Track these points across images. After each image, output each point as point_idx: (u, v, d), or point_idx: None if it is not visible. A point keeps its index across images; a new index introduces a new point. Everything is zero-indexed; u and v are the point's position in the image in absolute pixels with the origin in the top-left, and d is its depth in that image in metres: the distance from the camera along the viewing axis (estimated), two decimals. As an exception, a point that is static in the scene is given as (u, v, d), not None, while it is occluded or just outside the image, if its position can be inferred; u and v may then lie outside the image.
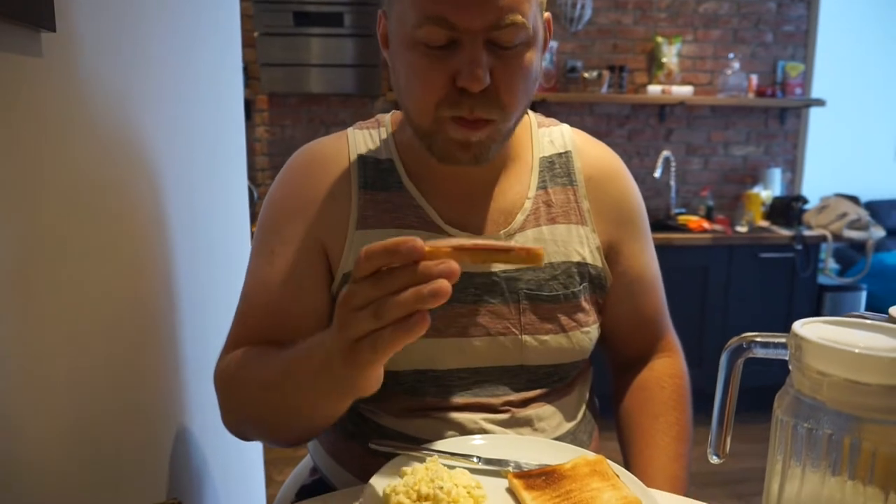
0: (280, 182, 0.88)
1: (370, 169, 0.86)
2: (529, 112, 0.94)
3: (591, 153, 0.93)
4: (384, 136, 0.89)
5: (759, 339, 0.47)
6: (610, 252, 0.92)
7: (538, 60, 0.78)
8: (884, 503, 0.41)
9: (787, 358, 0.44)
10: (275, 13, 3.09)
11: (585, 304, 0.88)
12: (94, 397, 0.73)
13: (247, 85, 3.26)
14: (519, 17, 0.72)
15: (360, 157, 0.87)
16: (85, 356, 0.71)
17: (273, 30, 3.11)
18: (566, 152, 0.91)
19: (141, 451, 0.85)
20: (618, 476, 0.72)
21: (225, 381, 0.80)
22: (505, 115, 0.76)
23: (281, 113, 3.40)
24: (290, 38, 3.12)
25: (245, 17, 2.97)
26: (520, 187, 0.88)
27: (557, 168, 0.90)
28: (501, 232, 0.85)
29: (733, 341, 0.47)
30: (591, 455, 0.76)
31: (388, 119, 0.92)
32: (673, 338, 0.98)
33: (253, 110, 3.38)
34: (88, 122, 0.73)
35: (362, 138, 0.89)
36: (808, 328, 0.44)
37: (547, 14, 0.81)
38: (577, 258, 0.88)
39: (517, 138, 0.88)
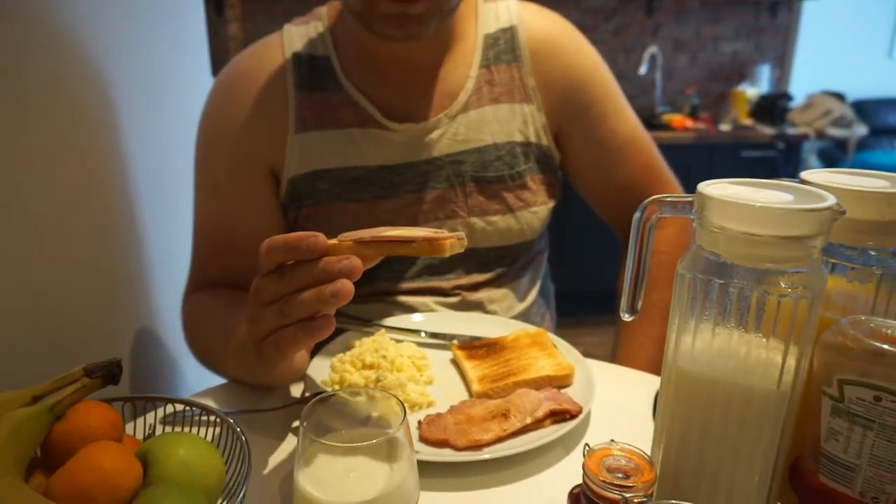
0: (209, 106, 0.86)
1: (305, 67, 0.84)
2: None
3: (537, 25, 0.89)
4: (320, 29, 0.87)
5: (668, 200, 0.48)
6: (563, 126, 0.89)
7: None
8: (781, 353, 0.43)
9: (692, 216, 0.45)
10: None
11: (532, 184, 0.88)
12: (50, 295, 0.74)
13: (216, -23, 3.10)
14: None
15: (296, 56, 0.84)
16: (38, 255, 0.71)
17: (240, -85, 2.92)
18: (511, 27, 0.88)
19: (104, 343, 0.88)
20: (556, 346, 0.75)
21: (185, 332, 0.83)
22: None
23: (254, 7, 3.26)
24: (259, -76, 2.94)
25: None
26: (463, 67, 0.86)
27: (502, 44, 0.88)
28: (442, 114, 0.84)
29: (644, 202, 0.49)
30: (532, 329, 0.79)
31: (325, 11, 0.88)
32: None
33: (225, 5, 3.23)
34: (48, 41, 0.70)
35: (297, 35, 0.86)
36: (713, 187, 0.45)
37: None
38: (520, 138, 0.87)
39: (460, 16, 0.86)
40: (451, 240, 0.53)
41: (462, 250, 0.53)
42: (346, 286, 0.49)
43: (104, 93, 0.88)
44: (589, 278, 2.86)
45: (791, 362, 0.43)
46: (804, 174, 0.51)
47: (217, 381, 0.76)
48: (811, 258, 0.42)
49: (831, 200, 0.42)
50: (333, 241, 0.52)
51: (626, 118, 0.92)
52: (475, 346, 0.76)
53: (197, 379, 1.03)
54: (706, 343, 0.45)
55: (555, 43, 0.89)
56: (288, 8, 3.27)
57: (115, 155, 0.92)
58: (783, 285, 0.42)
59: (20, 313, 0.68)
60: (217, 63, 1.61)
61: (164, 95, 1.13)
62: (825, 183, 0.48)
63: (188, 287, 0.87)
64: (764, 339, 0.44)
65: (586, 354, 0.75)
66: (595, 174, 0.92)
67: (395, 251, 0.52)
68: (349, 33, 0.85)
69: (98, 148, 0.87)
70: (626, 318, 0.52)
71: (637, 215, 0.48)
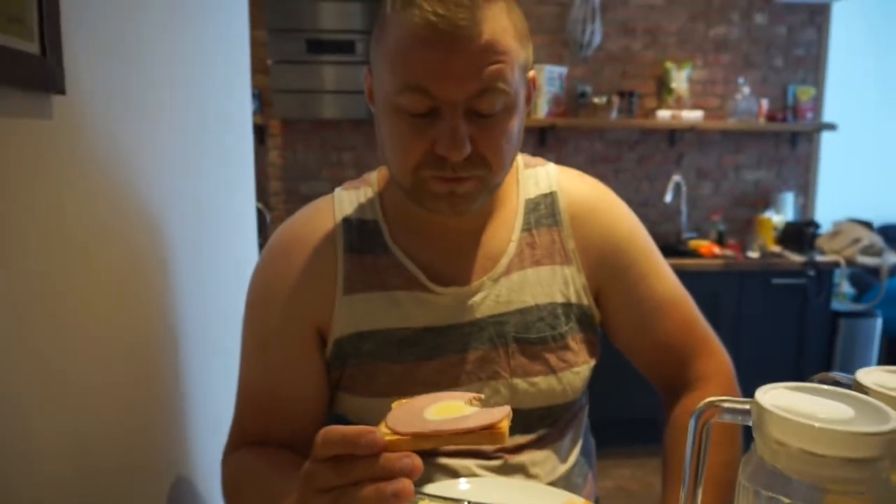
0: (260, 267, 0.89)
1: (355, 231, 0.88)
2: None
3: (576, 191, 0.93)
4: (370, 195, 0.91)
5: (725, 405, 0.48)
6: (602, 286, 0.91)
7: (519, 122, 0.79)
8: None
9: (751, 424, 0.45)
10: (288, 41, 3.16)
11: (574, 344, 0.89)
12: (93, 428, 0.75)
13: (260, 111, 3.32)
14: (500, 85, 0.73)
15: (346, 220, 0.88)
16: (83, 390, 0.73)
17: (286, 57, 3.18)
18: (551, 192, 0.92)
19: (141, 483, 0.88)
20: (604, 523, 0.73)
21: (224, 492, 0.84)
22: (490, 171, 0.78)
23: (294, 138, 3.46)
24: (303, 65, 3.19)
25: (259, 45, 3.04)
26: (505, 231, 0.89)
27: (542, 209, 0.91)
28: (486, 277, 0.87)
29: (700, 406, 0.49)
30: (578, 500, 0.77)
31: (375, 177, 0.93)
32: (710, 362, 0.91)
33: (266, 135, 3.44)
34: (97, 176, 0.76)
35: (348, 199, 0.91)
36: (769, 396, 0.45)
37: (531, 72, 0.82)
38: (561, 299, 0.89)
39: (503, 183, 0.90)
40: (505, 421, 0.53)
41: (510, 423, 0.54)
42: (408, 487, 0.49)
43: (154, 223, 0.93)
44: (619, 407, 2.79)
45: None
46: (859, 375, 0.51)
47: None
48: (878, 479, 0.42)
49: (895, 421, 0.42)
50: (390, 434, 0.53)
51: (665, 278, 0.93)
52: (520, 521, 0.74)
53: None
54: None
55: (593, 208, 0.93)
56: (324, 137, 3.46)
57: (164, 290, 0.95)
58: (854, 512, 0.41)
59: (66, 456, 0.68)
60: (259, 189, 1.70)
61: (211, 223, 1.19)
62: (884, 390, 0.48)
63: (229, 444, 0.88)
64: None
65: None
66: (634, 332, 0.93)
67: (453, 442, 0.52)
68: (396, 200, 0.89)
69: (147, 284, 0.91)
70: (685, 521, 0.50)
71: (692, 422, 0.48)
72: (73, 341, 0.71)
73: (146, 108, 0.91)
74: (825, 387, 0.47)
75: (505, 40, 0.73)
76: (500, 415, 0.53)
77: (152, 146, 0.92)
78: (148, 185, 0.91)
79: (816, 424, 0.41)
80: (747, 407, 0.46)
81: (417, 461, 0.50)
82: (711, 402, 0.48)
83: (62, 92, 0.66)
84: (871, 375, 0.51)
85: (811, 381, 0.50)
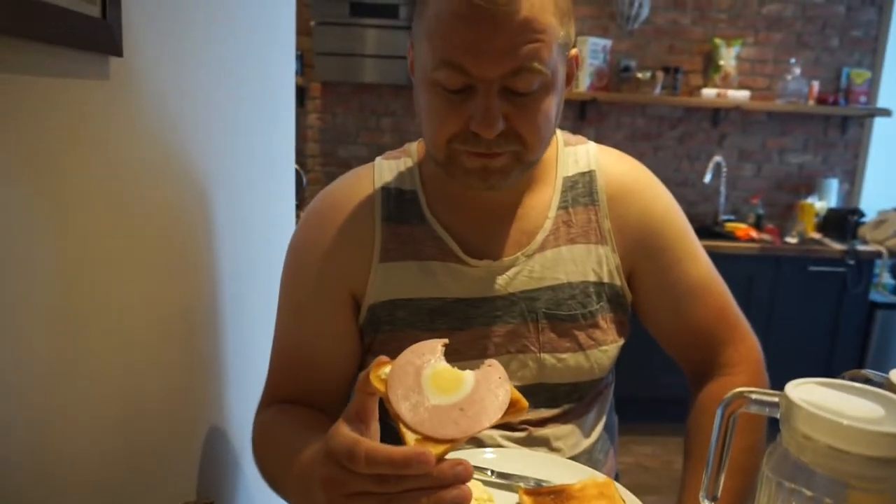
0: (300, 231, 0.91)
1: (393, 201, 0.89)
2: (557, 130, 0.95)
3: (615, 171, 0.93)
4: (410, 165, 0.92)
5: (753, 397, 0.49)
6: (636, 268, 0.91)
7: (558, 101, 0.79)
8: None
9: (778, 416, 0.46)
10: (332, 3, 3.15)
11: (603, 323, 0.90)
12: (134, 399, 0.79)
13: (302, 73, 3.33)
14: (535, 65, 0.72)
15: (385, 189, 0.90)
16: (126, 359, 0.77)
17: (329, 19, 3.17)
18: (590, 171, 0.92)
19: (177, 452, 0.92)
20: (623, 500, 0.75)
21: (254, 451, 0.86)
22: (525, 148, 0.78)
23: (333, 101, 3.47)
24: (346, 27, 3.18)
25: (302, 6, 3.03)
26: (542, 208, 0.90)
27: (580, 188, 0.91)
28: (520, 253, 0.88)
29: (729, 396, 0.50)
30: (600, 477, 0.79)
31: (415, 148, 0.94)
32: (740, 348, 0.91)
33: (306, 97, 3.46)
34: (147, 138, 0.79)
35: (388, 169, 0.92)
36: (799, 390, 0.46)
37: (574, 51, 0.82)
38: (594, 278, 0.89)
39: (543, 159, 0.89)
40: (513, 392, 0.54)
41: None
42: (466, 493, 0.50)
43: (200, 185, 0.96)
44: (642, 385, 2.80)
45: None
46: (893, 375, 0.51)
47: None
48: (904, 479, 0.42)
49: (924, 422, 0.42)
50: (421, 441, 0.51)
51: (700, 262, 0.93)
52: (542, 493, 0.76)
53: None
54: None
55: (631, 189, 0.92)
56: (364, 101, 3.47)
57: (208, 253, 0.99)
58: (876, 509, 0.42)
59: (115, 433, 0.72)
60: (297, 151, 1.72)
61: (252, 185, 1.21)
62: (915, 390, 0.48)
63: (262, 402, 0.91)
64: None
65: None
66: (666, 315, 0.93)
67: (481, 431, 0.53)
68: (435, 171, 0.90)
69: (193, 247, 0.94)
70: (707, 503, 0.52)
71: (720, 410, 0.49)
72: (124, 305, 0.74)
73: (196, 70, 0.92)
74: (855, 384, 0.47)
75: (544, 18, 0.73)
76: (505, 388, 0.54)
77: (201, 108, 0.94)
78: (195, 146, 0.93)
79: (844, 422, 0.42)
80: (776, 399, 0.47)
81: (469, 467, 0.50)
82: (740, 393, 0.49)
83: (120, 54, 0.68)
84: (905, 376, 0.51)
85: (842, 377, 0.51)
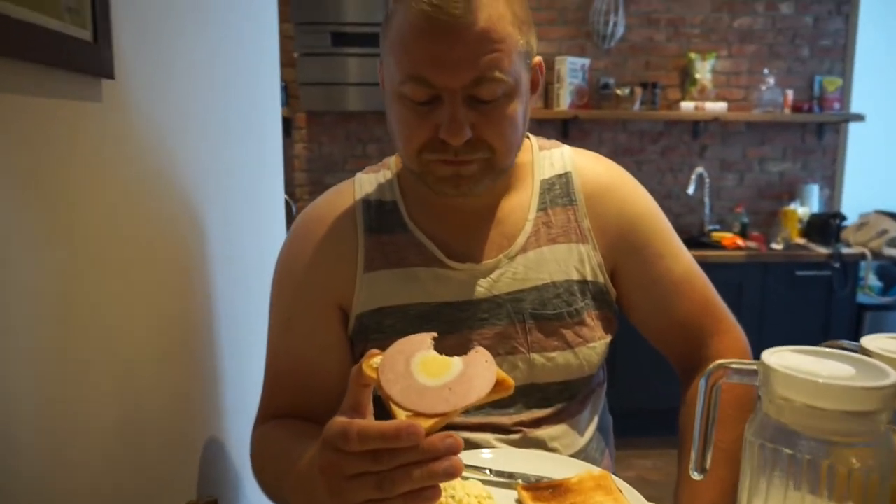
0: (286, 247, 0.94)
1: (374, 211, 0.92)
2: (531, 136, 0.97)
3: (591, 171, 0.95)
4: (389, 177, 0.95)
5: (733, 367, 0.51)
6: (618, 264, 0.93)
7: (523, 108, 0.82)
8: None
9: (757, 384, 0.48)
10: (314, 34, 3.21)
11: (590, 321, 0.91)
12: (135, 402, 0.80)
13: (287, 103, 3.38)
14: (497, 74, 0.75)
15: (365, 201, 0.93)
16: (126, 362, 0.78)
17: (312, 50, 3.23)
18: (566, 173, 0.95)
19: (180, 453, 0.93)
20: (620, 491, 0.76)
21: (253, 466, 0.88)
22: (494, 154, 0.81)
23: (319, 130, 3.51)
24: (328, 57, 3.23)
25: (286, 38, 3.08)
26: (521, 211, 0.92)
27: (557, 189, 0.94)
28: (502, 255, 0.90)
29: (710, 367, 0.52)
30: (596, 470, 0.80)
31: (394, 160, 0.97)
32: (726, 339, 0.92)
33: (292, 128, 3.50)
34: (140, 157, 0.81)
35: (368, 182, 0.95)
36: (776, 357, 0.48)
37: (537, 58, 0.85)
38: (577, 276, 0.91)
39: (518, 164, 0.92)
40: (499, 371, 0.55)
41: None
42: (458, 464, 0.51)
43: (192, 206, 0.98)
44: (640, 398, 2.81)
45: (865, 534, 0.44)
46: (864, 341, 0.53)
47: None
48: (878, 432, 0.44)
49: (894, 377, 0.44)
50: (413, 416, 0.53)
51: (681, 257, 0.95)
52: (540, 487, 0.77)
53: None
54: (778, 508, 0.47)
55: (608, 187, 0.95)
56: (349, 129, 3.51)
57: (200, 274, 1.00)
58: (853, 460, 0.44)
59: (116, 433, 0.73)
60: (285, 181, 1.75)
61: (243, 210, 1.24)
62: (886, 352, 0.50)
63: (258, 417, 0.92)
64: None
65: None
66: (651, 310, 0.95)
67: (470, 408, 0.55)
68: (413, 181, 0.93)
69: (186, 266, 0.95)
70: (696, 476, 0.53)
71: (702, 382, 0.51)
72: (119, 318, 0.76)
73: (185, 96, 0.95)
74: (827, 349, 0.50)
75: (502, 28, 0.76)
76: (491, 370, 0.56)
77: (190, 131, 0.97)
78: (186, 167, 0.96)
79: (820, 380, 0.44)
80: (755, 367, 0.49)
81: (459, 439, 0.52)
82: (721, 364, 0.51)
83: (111, 77, 0.71)
84: (877, 341, 0.54)
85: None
